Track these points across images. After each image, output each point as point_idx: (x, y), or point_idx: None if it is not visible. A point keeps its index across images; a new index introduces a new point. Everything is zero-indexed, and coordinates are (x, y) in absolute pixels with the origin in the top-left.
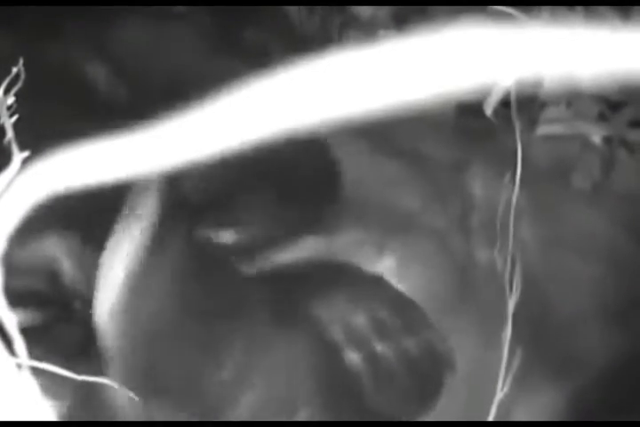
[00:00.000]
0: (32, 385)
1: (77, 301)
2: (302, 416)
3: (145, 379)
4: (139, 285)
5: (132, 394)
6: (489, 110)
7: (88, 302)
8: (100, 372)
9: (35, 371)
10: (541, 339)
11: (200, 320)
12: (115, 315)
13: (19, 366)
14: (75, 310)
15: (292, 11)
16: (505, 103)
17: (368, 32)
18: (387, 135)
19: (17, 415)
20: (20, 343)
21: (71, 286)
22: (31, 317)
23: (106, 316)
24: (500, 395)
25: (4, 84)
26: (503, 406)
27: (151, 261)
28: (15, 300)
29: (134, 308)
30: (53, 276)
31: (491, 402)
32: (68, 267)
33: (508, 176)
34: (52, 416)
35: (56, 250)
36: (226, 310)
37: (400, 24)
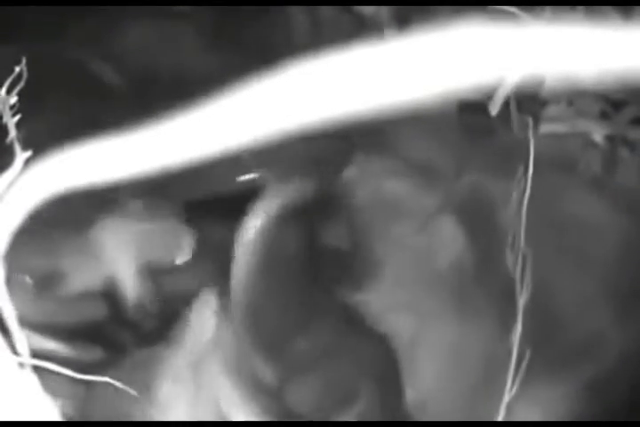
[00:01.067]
0: (34, 384)
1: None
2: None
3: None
4: (267, 266)
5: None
6: (494, 110)
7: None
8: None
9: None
10: (549, 331)
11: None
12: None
13: (21, 364)
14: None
15: (294, 10)
16: (507, 102)
17: (371, 32)
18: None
19: (19, 414)
20: (22, 342)
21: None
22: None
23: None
24: (508, 396)
25: (7, 83)
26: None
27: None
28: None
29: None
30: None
31: (499, 403)
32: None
33: (519, 173)
34: (54, 415)
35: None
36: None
37: (402, 24)
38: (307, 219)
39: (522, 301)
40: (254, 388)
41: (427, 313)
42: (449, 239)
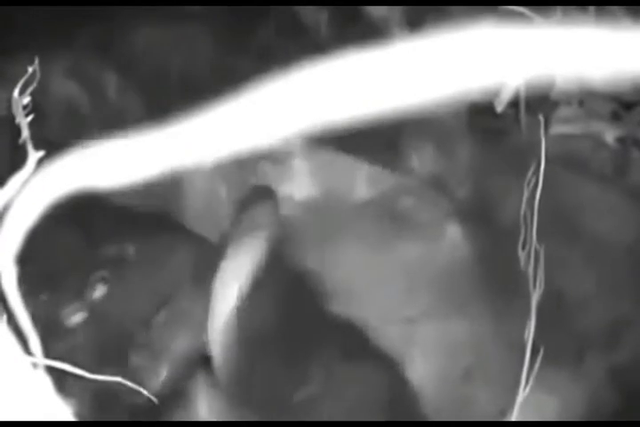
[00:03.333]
0: (47, 384)
1: None
2: None
3: (241, 388)
4: (247, 304)
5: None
6: (500, 108)
7: None
8: None
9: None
10: (565, 322)
11: (289, 340)
12: (227, 330)
13: (34, 364)
14: None
15: (306, 11)
16: (517, 103)
17: (381, 33)
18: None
19: (32, 414)
20: (35, 342)
21: None
22: None
23: (219, 330)
24: (522, 396)
25: (20, 83)
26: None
27: (257, 286)
28: None
29: (243, 323)
30: None
31: (513, 403)
32: None
33: (530, 173)
34: (67, 416)
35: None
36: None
37: (413, 25)
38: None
39: (535, 296)
40: None
41: (441, 318)
42: (456, 245)
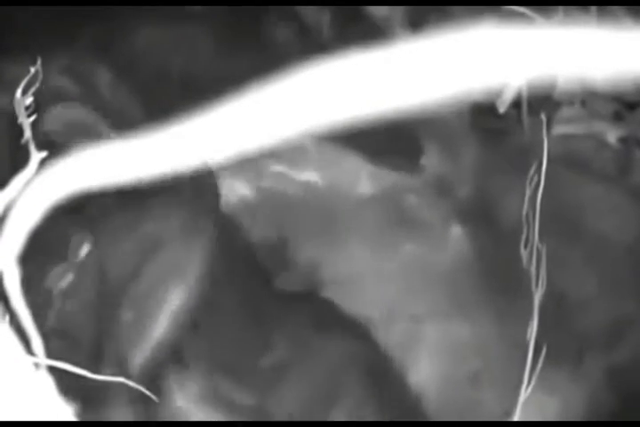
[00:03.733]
0: (49, 384)
1: None
2: (343, 407)
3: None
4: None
5: None
6: (502, 108)
7: None
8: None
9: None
10: (566, 322)
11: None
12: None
13: (36, 365)
14: None
15: (309, 11)
16: (519, 103)
17: (383, 34)
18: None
19: (34, 414)
20: (37, 343)
21: None
22: None
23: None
24: (524, 395)
25: (23, 84)
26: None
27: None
28: None
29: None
30: None
31: (515, 402)
32: None
33: (531, 173)
34: (68, 415)
35: None
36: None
37: (415, 26)
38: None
39: (538, 295)
40: (233, 413)
41: (443, 317)
42: (458, 245)
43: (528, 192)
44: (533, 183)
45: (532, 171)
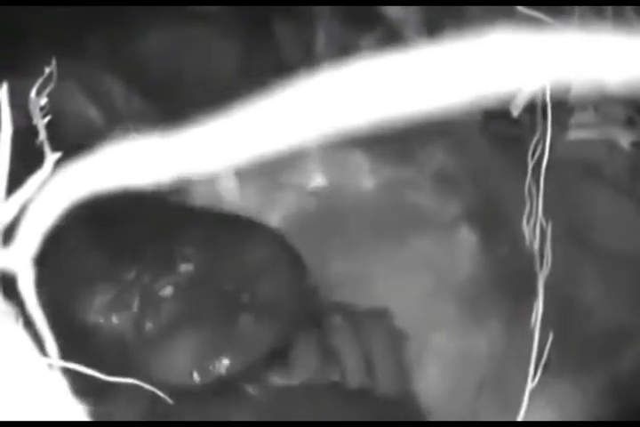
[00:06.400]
0: (62, 385)
1: None
2: None
3: None
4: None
5: None
6: (515, 112)
7: None
8: None
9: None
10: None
11: None
12: None
13: (50, 366)
14: None
15: (322, 13)
16: (533, 107)
17: (398, 37)
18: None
19: (47, 415)
20: (51, 343)
21: None
22: None
23: None
24: (531, 386)
25: (37, 84)
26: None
27: None
28: None
29: None
30: None
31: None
32: None
33: (533, 161)
34: (82, 416)
35: None
36: None
37: (430, 30)
38: None
39: (542, 278)
40: None
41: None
42: (466, 246)
43: (537, 193)
44: (536, 184)
45: (541, 174)
